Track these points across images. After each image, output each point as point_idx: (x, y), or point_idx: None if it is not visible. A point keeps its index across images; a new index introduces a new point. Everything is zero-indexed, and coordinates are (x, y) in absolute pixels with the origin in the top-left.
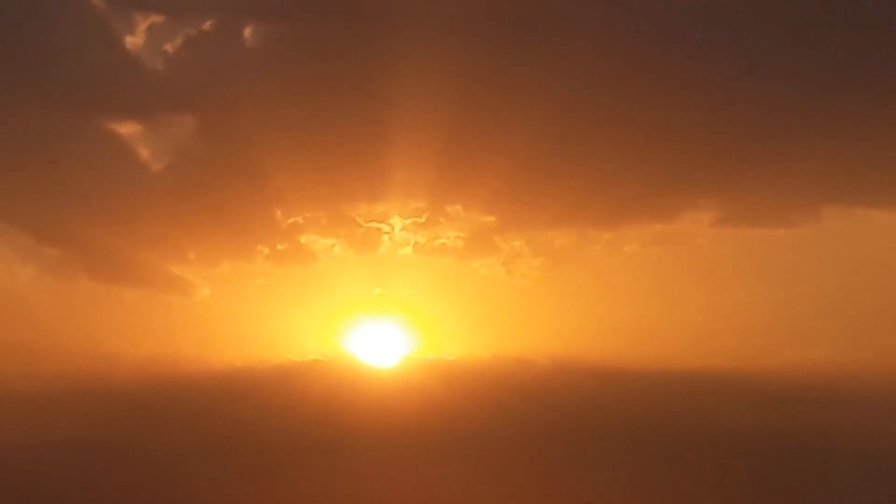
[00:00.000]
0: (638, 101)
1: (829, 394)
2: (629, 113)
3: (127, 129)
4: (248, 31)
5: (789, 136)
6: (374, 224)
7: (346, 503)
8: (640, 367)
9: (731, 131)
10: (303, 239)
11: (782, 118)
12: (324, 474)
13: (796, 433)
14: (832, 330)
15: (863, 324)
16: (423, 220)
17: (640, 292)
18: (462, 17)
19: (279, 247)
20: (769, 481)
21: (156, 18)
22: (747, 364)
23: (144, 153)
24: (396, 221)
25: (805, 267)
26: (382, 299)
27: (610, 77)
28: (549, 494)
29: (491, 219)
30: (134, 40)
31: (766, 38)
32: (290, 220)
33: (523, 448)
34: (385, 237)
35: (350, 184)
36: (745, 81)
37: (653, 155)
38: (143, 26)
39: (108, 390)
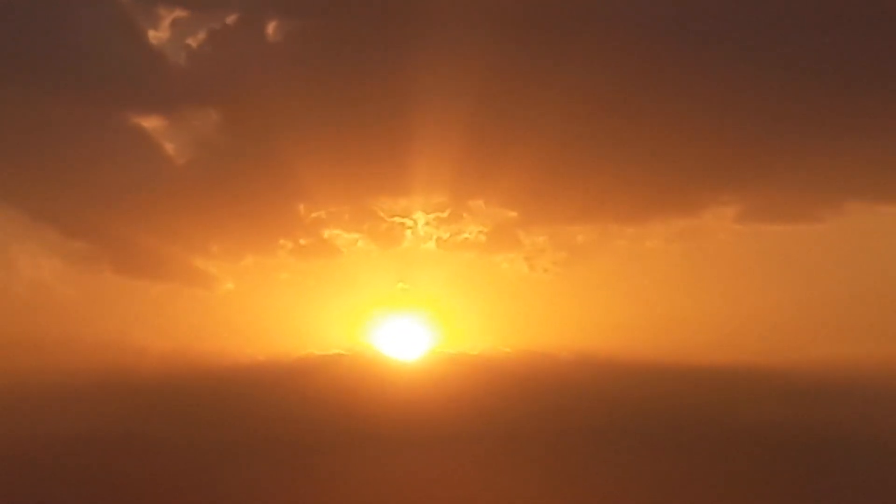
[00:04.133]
0: (661, 96)
1: (853, 390)
2: (652, 108)
3: (151, 123)
4: (271, 26)
5: (813, 132)
6: (397, 219)
7: (369, 497)
8: (662, 362)
9: (755, 126)
10: (326, 233)
11: (806, 113)
12: (347, 468)
13: (820, 430)
14: (857, 326)
15: (888, 320)
16: (445, 214)
17: (663, 288)
18: (485, 12)
19: (302, 241)
20: (794, 477)
21: (180, 13)
22: (771, 360)
23: (168, 147)
24: (419, 216)
25: (829, 262)
26: (405, 294)
27: (633, 72)
28: (571, 490)
29: (513, 214)
30: (158, 35)
31: (790, 34)
32: (314, 215)
33: (545, 443)
34: (408, 232)
35: (373, 178)
36: (769, 77)
37: (676, 150)
38: (167, 21)
39: (132, 383)
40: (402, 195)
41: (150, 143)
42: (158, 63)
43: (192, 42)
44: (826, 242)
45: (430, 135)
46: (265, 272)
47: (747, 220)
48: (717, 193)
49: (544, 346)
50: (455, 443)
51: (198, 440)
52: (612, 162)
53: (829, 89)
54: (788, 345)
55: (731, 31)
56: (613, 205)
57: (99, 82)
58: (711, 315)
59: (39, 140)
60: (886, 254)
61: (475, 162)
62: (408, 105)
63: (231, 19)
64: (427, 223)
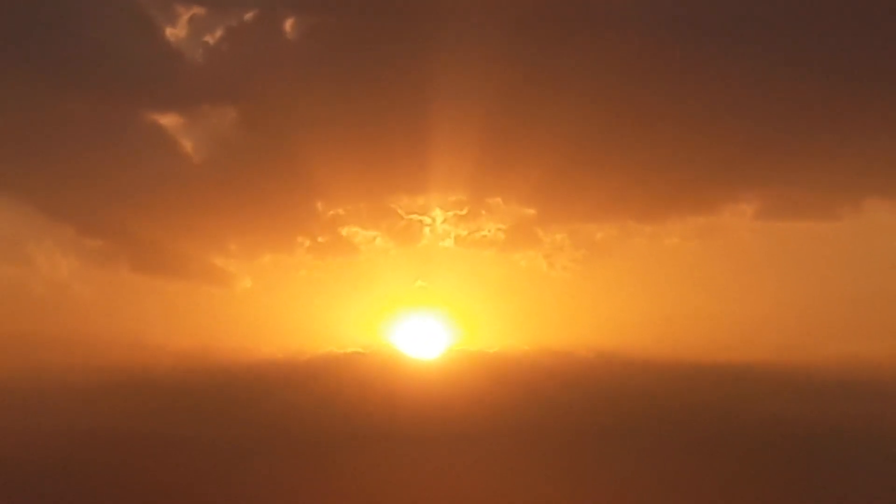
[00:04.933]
0: (680, 94)
1: (871, 387)
2: (671, 106)
3: (168, 121)
4: (289, 23)
5: (832, 129)
6: (415, 216)
7: (387, 494)
8: (681, 359)
9: (773, 123)
10: (344, 231)
11: (825, 110)
12: (365, 466)
13: (838, 426)
14: (875, 323)
15: None
16: (464, 212)
17: (682, 285)
18: (503, 9)
19: (320, 239)
20: (811, 474)
21: (197, 10)
22: (790, 357)
23: (186, 145)
24: (438, 214)
25: (848, 260)
26: (423, 291)
27: (651, 69)
28: (589, 487)
29: (532, 211)
30: (175, 32)
31: (807, 31)
32: (332, 212)
33: (564, 441)
34: (426, 229)
35: (391, 176)
36: (787, 73)
37: (694, 147)
38: (184, 18)
39: (150, 381)
40: (420, 192)
41: (167, 141)
42: (176, 61)
43: (209, 39)
44: (845, 240)
45: (448, 132)
46: (283, 270)
47: (766, 217)
48: (735, 191)
49: (563, 344)
50: (473, 441)
51: (215, 438)
52: (631, 159)
53: (849, 86)
54: (808, 342)
55: (751, 29)
56: (632, 202)
57: (116, 80)
58: (730, 312)
59: (56, 138)
60: None
61: (493, 159)
62: (426, 102)
63: (249, 16)
64: (445, 221)
